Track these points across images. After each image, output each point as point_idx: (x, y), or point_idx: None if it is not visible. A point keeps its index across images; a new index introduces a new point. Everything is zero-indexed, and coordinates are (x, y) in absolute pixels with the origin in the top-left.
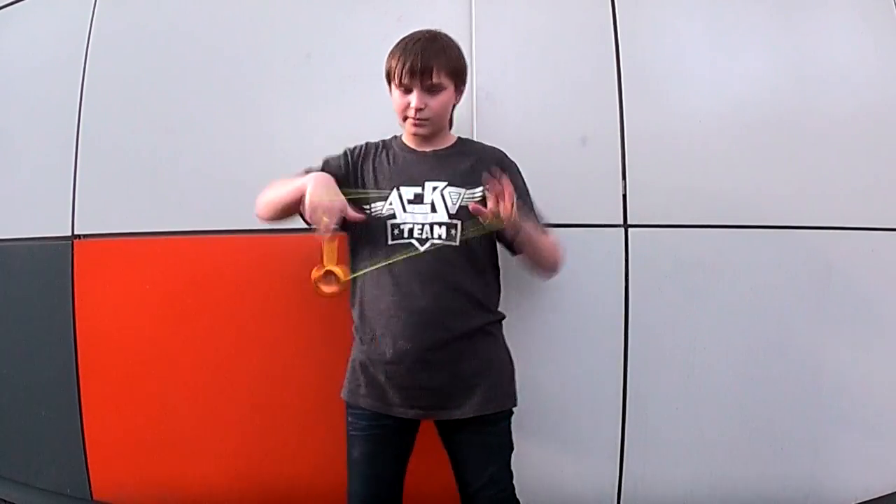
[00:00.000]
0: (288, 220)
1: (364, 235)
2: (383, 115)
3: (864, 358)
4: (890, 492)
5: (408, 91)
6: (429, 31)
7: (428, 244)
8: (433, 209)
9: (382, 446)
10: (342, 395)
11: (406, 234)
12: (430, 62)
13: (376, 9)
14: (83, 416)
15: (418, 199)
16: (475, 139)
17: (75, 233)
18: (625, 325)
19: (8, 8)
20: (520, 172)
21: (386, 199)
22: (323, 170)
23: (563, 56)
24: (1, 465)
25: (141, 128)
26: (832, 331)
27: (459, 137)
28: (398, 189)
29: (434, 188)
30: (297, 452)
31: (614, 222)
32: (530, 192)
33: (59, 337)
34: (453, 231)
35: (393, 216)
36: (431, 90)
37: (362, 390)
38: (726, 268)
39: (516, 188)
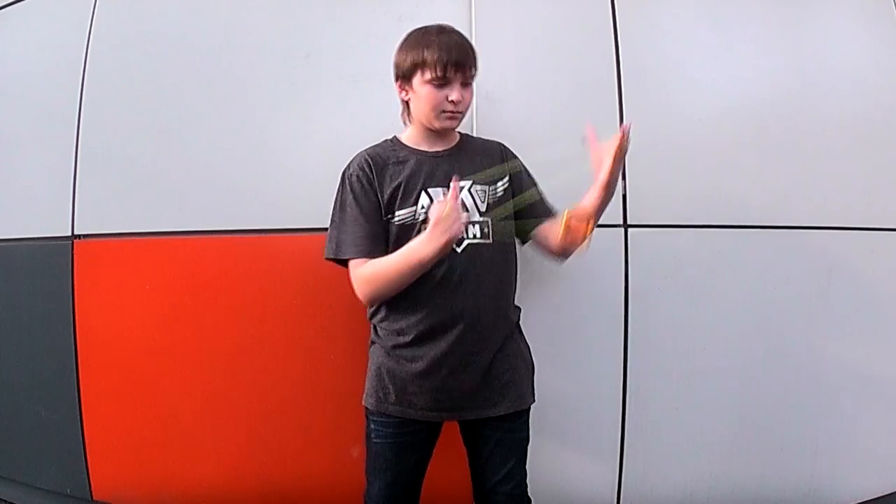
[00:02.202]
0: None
1: (399, 242)
2: (383, 114)
3: (863, 358)
4: (890, 492)
5: (444, 84)
6: (445, 25)
7: (464, 244)
8: (465, 209)
9: (408, 452)
10: (365, 403)
11: None
12: (469, 56)
13: (376, 9)
14: (83, 416)
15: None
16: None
17: (75, 233)
18: (625, 325)
19: (8, 8)
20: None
21: (416, 202)
22: (363, 213)
23: (563, 56)
24: (1, 465)
25: (141, 128)
26: (832, 330)
27: (459, 133)
28: (426, 191)
29: (461, 187)
30: (298, 452)
31: (614, 222)
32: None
33: (59, 337)
34: (486, 229)
35: (426, 220)
36: (466, 83)
37: (391, 398)
38: (726, 268)
39: (527, 177)
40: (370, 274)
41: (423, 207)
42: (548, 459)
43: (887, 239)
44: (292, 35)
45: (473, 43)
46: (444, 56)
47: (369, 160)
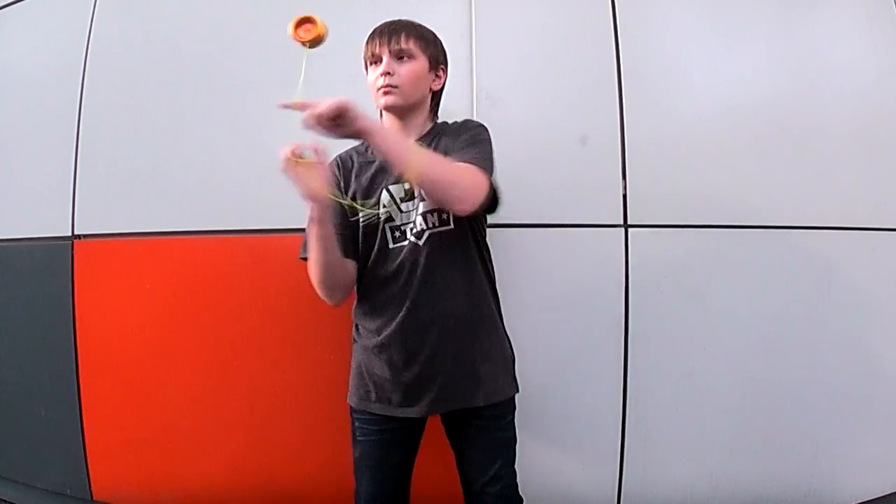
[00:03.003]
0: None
1: (367, 241)
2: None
3: (863, 358)
4: (890, 492)
5: (376, 63)
6: (392, 19)
7: (426, 235)
8: (423, 198)
9: (392, 449)
10: (349, 401)
11: (407, 234)
12: (398, 29)
13: (376, 9)
14: (83, 416)
15: (409, 195)
16: None
17: (75, 233)
18: (625, 325)
19: (8, 8)
20: (477, 131)
21: (377, 202)
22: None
23: (564, 56)
24: (1, 465)
25: (141, 128)
26: (832, 330)
27: (437, 123)
28: (387, 189)
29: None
30: (298, 452)
31: (614, 222)
32: (484, 149)
33: (59, 337)
34: (444, 215)
35: (390, 218)
36: (400, 57)
37: (372, 396)
38: (726, 268)
39: (459, 140)
40: (309, 272)
41: (383, 206)
42: (548, 460)
43: (887, 239)
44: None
45: (473, 43)
46: (370, 37)
47: (339, 163)
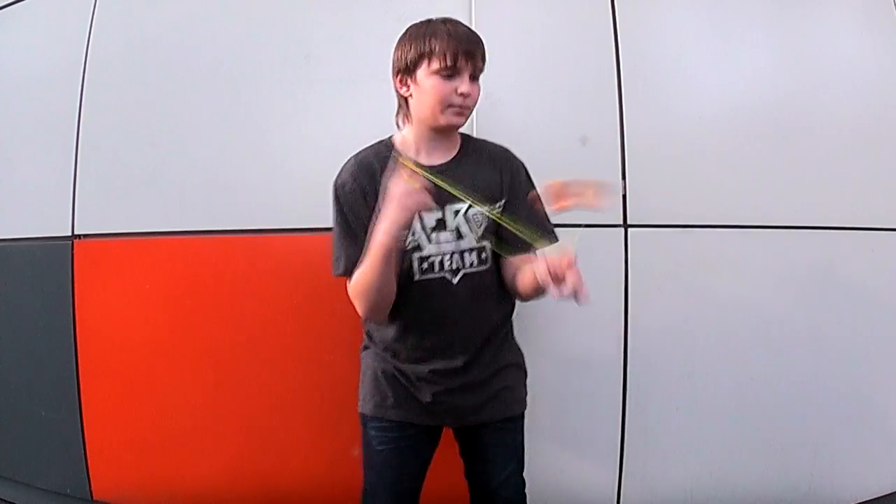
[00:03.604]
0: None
1: None
2: (383, 115)
3: (863, 358)
4: (890, 492)
5: (452, 75)
6: (450, 17)
7: (461, 274)
8: (459, 235)
9: (410, 455)
10: (362, 409)
11: (437, 268)
12: (480, 46)
13: (376, 9)
14: (83, 416)
15: (441, 225)
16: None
17: (75, 233)
18: (625, 325)
19: (8, 8)
20: (526, 172)
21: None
22: (354, 226)
23: (563, 56)
24: (1, 465)
25: (141, 128)
26: (832, 331)
27: (462, 137)
28: (419, 216)
29: (456, 211)
30: (298, 452)
31: (614, 222)
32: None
33: (59, 337)
34: (483, 254)
35: (419, 248)
36: (475, 76)
37: (390, 401)
38: (726, 268)
39: (525, 191)
40: (353, 289)
41: (413, 234)
42: (548, 460)
43: (887, 239)
44: (292, 35)
45: None
46: (453, 44)
47: (360, 168)
